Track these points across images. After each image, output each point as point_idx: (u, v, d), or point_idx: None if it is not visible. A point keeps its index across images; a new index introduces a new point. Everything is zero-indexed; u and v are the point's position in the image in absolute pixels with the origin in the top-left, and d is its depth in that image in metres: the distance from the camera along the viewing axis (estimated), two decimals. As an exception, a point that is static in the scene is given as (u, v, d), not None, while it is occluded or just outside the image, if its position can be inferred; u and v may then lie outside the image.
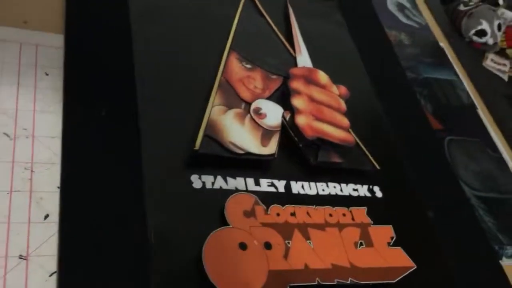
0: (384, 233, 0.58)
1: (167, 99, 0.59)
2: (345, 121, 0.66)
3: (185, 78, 0.62)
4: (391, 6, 1.03)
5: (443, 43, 1.03)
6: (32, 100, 0.52)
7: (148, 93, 0.57)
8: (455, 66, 0.99)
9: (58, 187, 0.47)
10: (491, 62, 1.07)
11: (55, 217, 0.45)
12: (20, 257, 0.42)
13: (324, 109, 0.66)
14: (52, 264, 0.42)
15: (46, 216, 0.45)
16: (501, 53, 1.11)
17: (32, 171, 0.47)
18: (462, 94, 0.93)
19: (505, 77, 1.07)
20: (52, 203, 0.46)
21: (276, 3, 0.82)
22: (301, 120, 0.62)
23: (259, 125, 0.60)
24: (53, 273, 0.42)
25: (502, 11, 1.08)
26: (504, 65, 1.08)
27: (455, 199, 0.71)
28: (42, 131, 0.50)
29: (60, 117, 0.52)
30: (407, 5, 1.06)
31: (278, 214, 0.54)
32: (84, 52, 0.58)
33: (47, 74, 0.55)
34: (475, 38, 1.06)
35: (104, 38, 0.60)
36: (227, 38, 0.70)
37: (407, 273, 0.56)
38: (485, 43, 1.06)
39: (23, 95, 0.52)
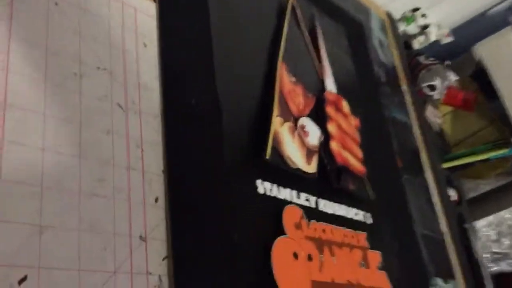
0: (375, 257, 0.70)
1: (234, 101, 0.62)
2: (360, 153, 0.76)
3: (245, 81, 0.65)
4: (375, 41, 1.14)
5: (404, 87, 1.18)
6: (136, 71, 0.52)
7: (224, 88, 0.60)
8: (409, 110, 1.15)
9: (163, 172, 0.49)
10: (430, 113, 1.26)
11: (162, 201, 0.47)
12: (140, 238, 0.44)
13: (347, 138, 0.75)
14: (164, 248, 0.45)
15: (156, 199, 0.47)
16: (437, 107, 1.32)
17: (142, 149, 0.48)
18: (412, 137, 1.10)
19: (437, 128, 1.27)
20: (159, 186, 0.48)
21: (305, 16, 0.87)
22: (334, 146, 0.70)
23: (303, 142, 0.67)
24: (165, 258, 0.45)
25: (449, 73, 1.28)
26: (438, 117, 1.29)
27: (408, 233, 0.86)
28: (147, 108, 0.51)
29: (158, 96, 0.53)
30: (385, 43, 1.19)
31: (315, 229, 0.62)
32: (177, 36, 0.58)
33: (145, 46, 0.55)
34: (425, 89, 1.23)
35: (193, 25, 0.61)
36: (274, 46, 0.73)
37: (386, 294, 0.69)
38: (430, 96, 1.24)
39: (129, 63, 0.51)
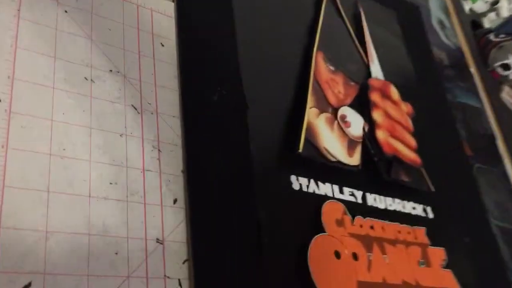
0: (438, 255, 0.63)
1: (262, 94, 0.59)
2: (413, 142, 0.69)
3: (274, 72, 0.62)
4: (434, 22, 1.06)
5: (472, 69, 1.08)
6: (152, 72, 0.51)
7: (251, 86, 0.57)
8: (480, 94, 1.04)
9: (182, 172, 0.47)
10: (507, 95, 1.14)
11: (182, 202, 0.45)
12: (157, 240, 0.42)
13: (397, 126, 0.68)
14: (184, 250, 0.43)
15: (175, 201, 0.45)
16: (515, 87, 1.19)
17: (159, 150, 0.47)
18: (485, 123, 0.99)
19: (516, 111, 1.14)
20: (178, 187, 0.46)
21: (348, 2, 0.82)
22: (380, 135, 0.65)
23: (344, 133, 0.62)
24: (185, 261, 0.43)
25: (525, 49, 1.15)
26: (517, 99, 1.16)
27: (482, 226, 0.77)
28: (164, 108, 0.49)
29: (177, 95, 0.51)
30: (447, 24, 1.10)
31: (361, 226, 0.57)
32: (196, 31, 0.56)
33: (163, 45, 0.53)
34: (498, 69, 1.12)
35: (214, 18, 0.59)
36: (309, 35, 0.70)
37: (454, 295, 0.62)
38: (506, 76, 1.12)
39: (144, 65, 0.51)
